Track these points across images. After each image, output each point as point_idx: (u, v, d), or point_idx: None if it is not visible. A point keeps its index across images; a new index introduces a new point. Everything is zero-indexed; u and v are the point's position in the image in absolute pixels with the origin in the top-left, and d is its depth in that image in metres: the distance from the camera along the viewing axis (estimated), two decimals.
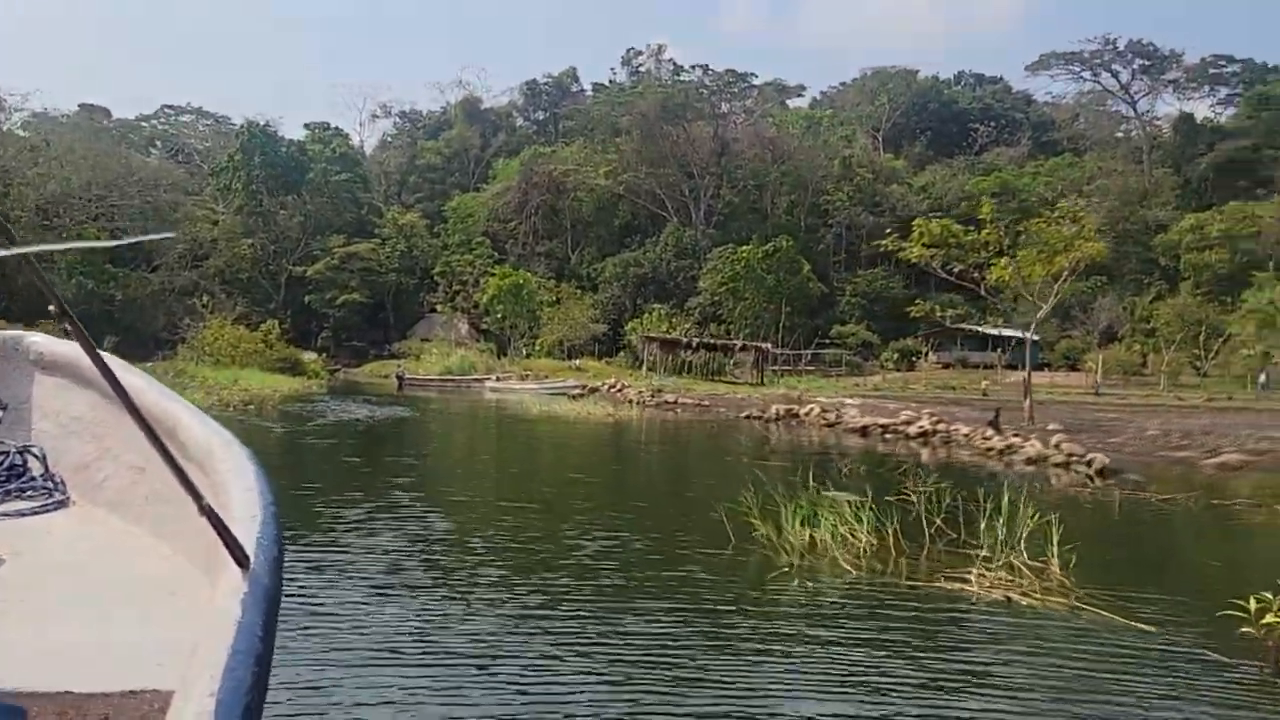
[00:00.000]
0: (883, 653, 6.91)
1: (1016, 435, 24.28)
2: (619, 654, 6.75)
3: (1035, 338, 33.69)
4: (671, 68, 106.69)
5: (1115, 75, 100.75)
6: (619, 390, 51.60)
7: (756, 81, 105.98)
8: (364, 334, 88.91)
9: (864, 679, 6.39)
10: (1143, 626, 7.30)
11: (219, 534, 2.07)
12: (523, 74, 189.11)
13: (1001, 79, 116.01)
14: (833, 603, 8.22)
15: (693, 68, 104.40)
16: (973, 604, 8.10)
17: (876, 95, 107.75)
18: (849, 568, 9.17)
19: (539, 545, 10.78)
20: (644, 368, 63.29)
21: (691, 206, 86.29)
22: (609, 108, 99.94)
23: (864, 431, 29.95)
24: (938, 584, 8.51)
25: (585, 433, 30.77)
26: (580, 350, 72.75)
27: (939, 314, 48.87)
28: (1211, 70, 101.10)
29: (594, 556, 10.13)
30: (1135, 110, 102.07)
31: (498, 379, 58.40)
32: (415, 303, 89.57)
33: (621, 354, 73.09)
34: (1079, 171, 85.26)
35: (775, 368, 66.69)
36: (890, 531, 10.08)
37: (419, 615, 7.62)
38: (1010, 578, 8.59)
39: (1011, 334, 63.68)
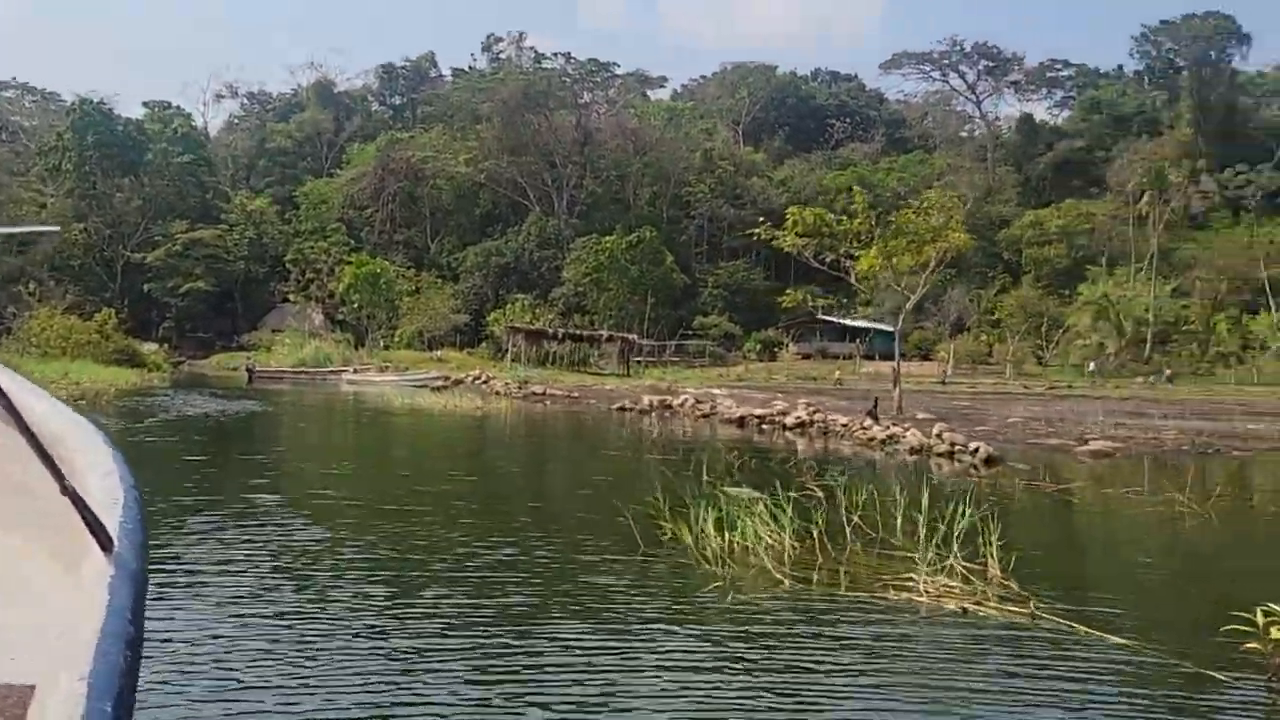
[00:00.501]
0: (844, 676, 6.14)
1: (896, 425, 24.28)
2: (539, 686, 5.77)
3: (897, 328, 34.13)
4: (533, 55, 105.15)
5: (962, 76, 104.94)
6: (485, 382, 50.16)
7: (619, 72, 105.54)
8: (210, 324, 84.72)
9: (827, 710, 5.60)
10: (1119, 639, 6.73)
11: (82, 516, 2.01)
12: (378, 57, 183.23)
13: (856, 77, 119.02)
14: (773, 619, 7.42)
15: (554, 55, 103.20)
16: (926, 616, 7.42)
17: (736, 89, 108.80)
18: (779, 576, 8.38)
19: (425, 555, 9.64)
20: (508, 359, 61.97)
21: (554, 196, 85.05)
22: (469, 94, 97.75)
23: (740, 422, 29.57)
24: (883, 594, 7.79)
25: (455, 426, 29.47)
26: (441, 341, 70.95)
27: (810, 304, 49.44)
28: (1049, 73, 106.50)
29: (492, 568, 9.07)
30: (980, 110, 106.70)
31: (355, 371, 56.20)
32: (266, 292, 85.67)
33: (484, 345, 71.58)
34: (929, 168, 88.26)
35: (640, 359, 66.34)
36: (815, 534, 9.34)
37: (289, 647, 6.39)
38: (955, 584, 7.96)
39: (869, 325, 65.56)
